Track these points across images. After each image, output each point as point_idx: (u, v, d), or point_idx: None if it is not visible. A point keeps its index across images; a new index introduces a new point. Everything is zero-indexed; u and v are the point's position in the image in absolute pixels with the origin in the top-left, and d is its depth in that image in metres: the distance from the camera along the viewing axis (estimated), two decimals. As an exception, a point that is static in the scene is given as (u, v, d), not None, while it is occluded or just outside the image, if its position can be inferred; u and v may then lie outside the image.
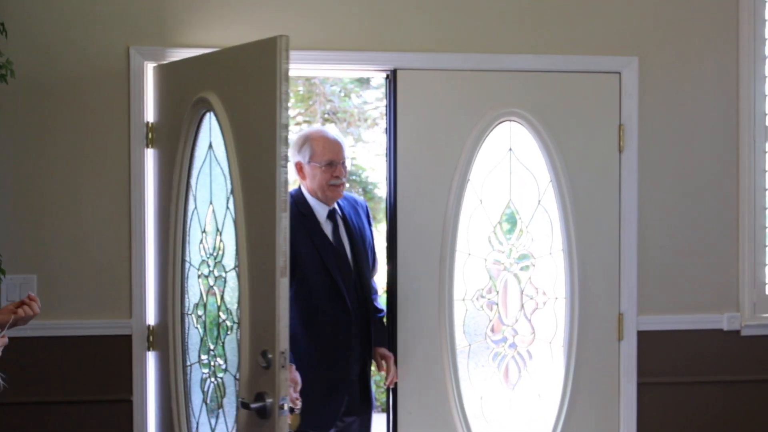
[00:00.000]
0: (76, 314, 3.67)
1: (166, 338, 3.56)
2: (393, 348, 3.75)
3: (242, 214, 3.08)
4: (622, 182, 3.94)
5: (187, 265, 3.50)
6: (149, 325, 3.68)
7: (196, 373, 3.49)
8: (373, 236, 3.82)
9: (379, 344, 3.70)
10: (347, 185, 3.67)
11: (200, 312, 3.46)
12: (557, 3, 3.91)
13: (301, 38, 3.73)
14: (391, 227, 3.79)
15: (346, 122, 9.91)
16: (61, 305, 3.66)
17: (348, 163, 3.59)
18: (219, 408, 3.37)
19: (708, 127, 4.03)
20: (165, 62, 3.63)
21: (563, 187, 3.89)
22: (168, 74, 3.59)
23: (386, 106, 3.87)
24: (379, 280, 3.96)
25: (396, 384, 3.75)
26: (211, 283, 3.39)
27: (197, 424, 3.49)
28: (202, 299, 3.45)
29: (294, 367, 3.27)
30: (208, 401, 3.44)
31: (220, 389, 3.36)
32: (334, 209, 3.62)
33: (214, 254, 3.37)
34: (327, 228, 3.59)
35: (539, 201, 3.93)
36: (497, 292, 3.95)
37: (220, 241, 3.32)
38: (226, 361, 3.31)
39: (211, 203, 3.38)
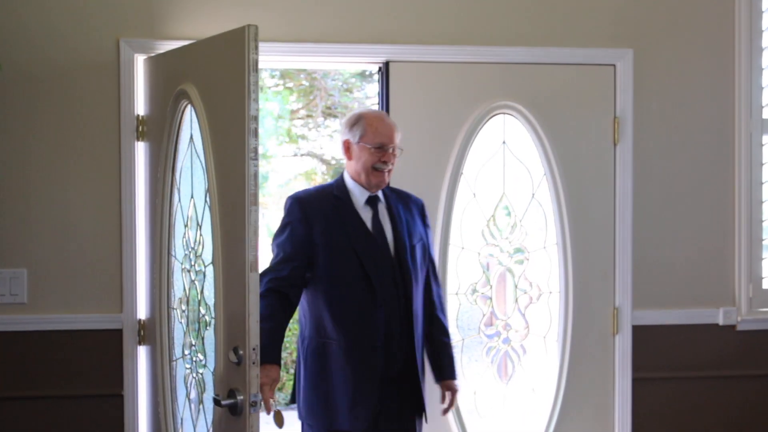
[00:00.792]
0: (67, 308, 3.65)
1: (154, 333, 3.55)
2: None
3: (217, 208, 3.04)
4: (617, 175, 3.91)
5: (172, 259, 3.49)
6: (140, 320, 3.66)
7: (181, 369, 3.48)
8: (430, 239, 3.48)
9: (449, 377, 3.43)
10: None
11: (184, 306, 3.44)
12: (551, -5, 3.89)
13: (294, 30, 3.73)
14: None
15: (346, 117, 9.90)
16: (51, 299, 3.65)
17: (399, 153, 3.31)
18: (201, 404, 3.35)
19: (704, 120, 4.00)
20: (154, 54, 3.61)
21: (557, 181, 3.87)
22: (156, 66, 3.57)
23: (378, 99, 3.84)
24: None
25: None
26: (193, 278, 3.38)
27: (182, 419, 3.47)
28: (186, 293, 3.43)
29: (278, 366, 3.07)
30: (191, 397, 3.42)
31: (201, 385, 3.34)
32: (376, 196, 3.32)
33: (195, 248, 3.35)
34: (365, 214, 3.29)
35: (533, 194, 3.91)
36: (491, 287, 3.93)
37: (200, 235, 3.31)
38: (205, 357, 3.29)
39: (192, 197, 3.36)
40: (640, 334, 3.96)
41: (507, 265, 3.94)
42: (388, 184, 3.38)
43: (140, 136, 3.64)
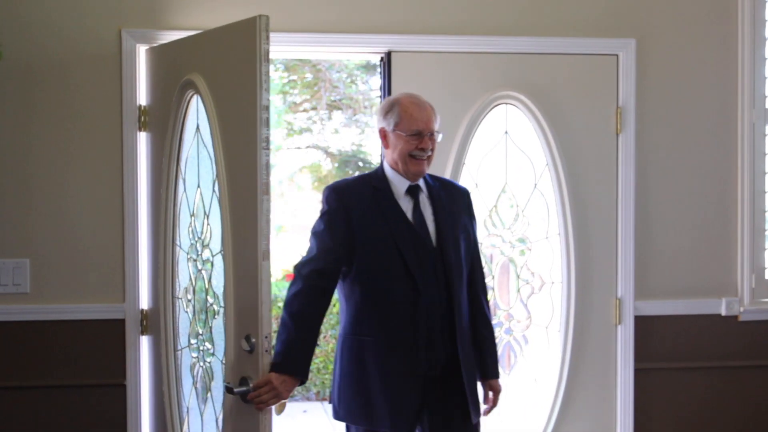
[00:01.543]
0: (69, 298, 3.66)
1: (158, 322, 3.56)
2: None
3: (227, 198, 3.06)
4: (620, 165, 3.91)
5: (177, 248, 3.50)
6: (142, 309, 3.67)
7: (186, 358, 3.49)
8: (475, 229, 3.32)
9: (492, 376, 3.28)
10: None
11: (189, 296, 3.45)
12: (554, -16, 3.88)
13: (296, 20, 3.73)
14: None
15: (351, 109, 9.91)
16: (53, 289, 3.66)
17: (439, 137, 3.15)
18: (208, 392, 3.35)
19: (707, 110, 3.99)
20: (156, 44, 3.61)
21: (560, 171, 3.86)
22: (159, 57, 3.57)
23: (380, 89, 3.84)
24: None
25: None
26: (199, 267, 3.39)
27: (188, 408, 3.48)
28: (192, 283, 3.44)
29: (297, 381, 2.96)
30: (198, 386, 3.42)
31: (209, 374, 3.34)
32: (417, 185, 3.17)
33: (202, 238, 3.36)
34: (405, 204, 3.13)
35: (535, 185, 3.90)
36: (493, 277, 3.93)
37: (207, 224, 3.31)
38: (213, 346, 3.30)
39: (198, 187, 3.36)
40: (643, 324, 3.96)
41: (509, 255, 3.94)
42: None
43: (142, 126, 3.65)
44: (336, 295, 3.12)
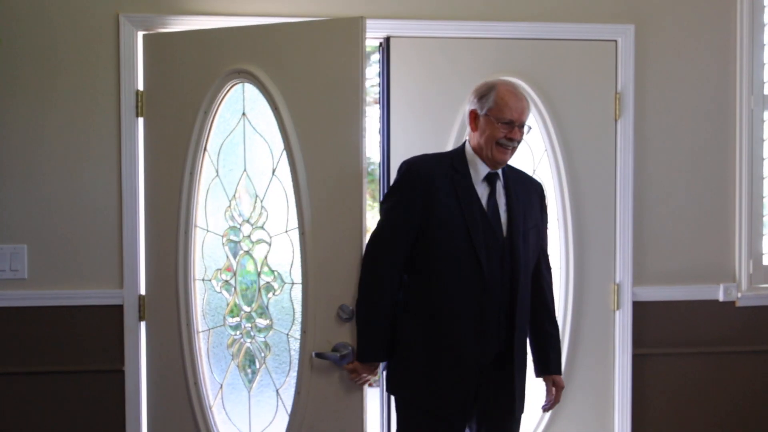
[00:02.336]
0: (67, 284, 3.66)
1: (166, 307, 3.59)
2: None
3: (305, 182, 3.35)
4: (618, 151, 3.91)
5: (200, 231, 3.57)
6: (141, 295, 3.66)
7: (219, 337, 3.58)
8: (546, 225, 3.34)
9: (554, 371, 3.31)
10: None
11: (225, 277, 3.54)
12: (553, -30, 3.87)
13: (294, 5, 3.70)
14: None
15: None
16: (51, 275, 3.65)
17: (526, 129, 3.13)
18: (261, 366, 3.53)
19: (705, 96, 3.99)
20: (166, 30, 3.63)
21: (558, 156, 3.86)
22: (175, 43, 3.56)
23: (379, 75, 3.83)
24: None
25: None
26: (246, 248, 3.51)
27: (221, 386, 3.61)
28: (231, 263, 3.54)
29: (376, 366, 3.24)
30: (241, 362, 3.56)
31: (261, 348, 3.52)
32: (496, 173, 3.16)
33: (251, 220, 3.49)
34: (481, 190, 3.12)
35: (534, 170, 3.90)
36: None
37: (262, 207, 3.48)
38: (271, 320, 3.49)
39: (245, 171, 3.50)
40: (640, 310, 3.97)
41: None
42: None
43: (140, 111, 3.63)
44: None
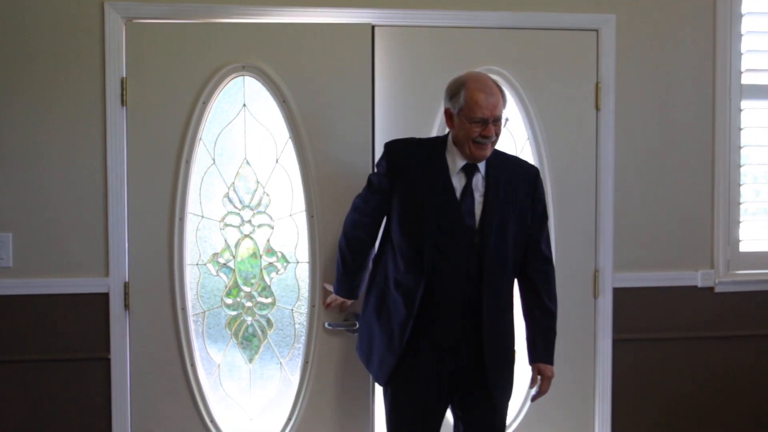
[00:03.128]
0: (53, 272, 3.66)
1: (157, 292, 3.68)
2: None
3: (314, 171, 3.71)
4: (599, 140, 3.95)
5: (194, 218, 3.71)
6: (126, 283, 3.66)
7: (215, 318, 3.77)
8: (541, 212, 3.33)
9: (541, 359, 3.31)
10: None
11: (223, 260, 3.74)
12: (535, -40, 3.90)
13: (279, -7, 3.72)
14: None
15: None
16: (36, 263, 3.65)
17: (505, 123, 3.15)
18: (263, 342, 3.79)
19: (684, 86, 4.05)
20: (154, 21, 3.65)
21: (540, 145, 3.90)
22: (167, 34, 3.65)
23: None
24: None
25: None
26: (247, 232, 3.74)
27: (219, 365, 3.79)
28: (229, 247, 3.74)
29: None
30: (240, 339, 3.78)
31: (263, 325, 3.79)
32: (474, 165, 3.17)
33: (252, 205, 3.74)
34: (457, 181, 3.16)
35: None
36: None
37: (265, 193, 3.74)
38: (275, 298, 3.77)
39: (245, 159, 3.72)
40: (621, 296, 4.02)
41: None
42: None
43: (125, 100, 3.63)
44: None
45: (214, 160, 3.72)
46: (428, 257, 3.11)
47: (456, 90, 3.12)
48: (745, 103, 4.09)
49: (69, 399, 3.70)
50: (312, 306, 3.74)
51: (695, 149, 4.07)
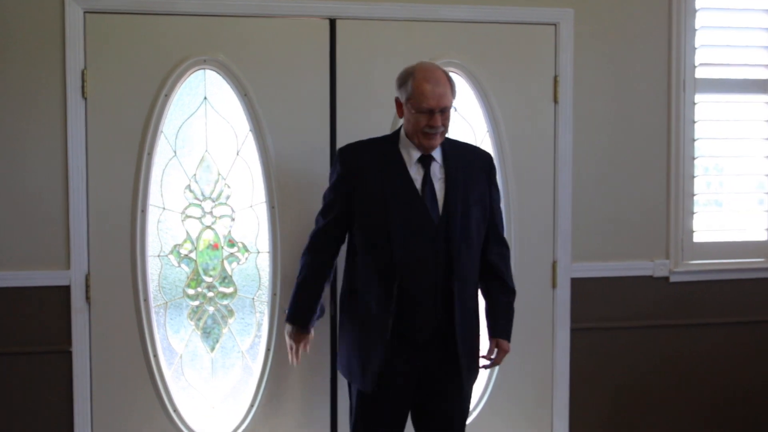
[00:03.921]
0: (13, 265, 3.63)
1: (119, 284, 3.68)
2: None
3: (275, 163, 3.74)
4: (557, 133, 4.00)
5: (156, 209, 3.71)
6: (87, 275, 3.66)
7: (176, 309, 3.78)
8: (496, 197, 3.37)
9: (499, 335, 3.33)
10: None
11: (184, 251, 3.76)
12: (494, -46, 3.93)
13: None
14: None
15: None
16: (-3, 256, 3.62)
17: (453, 112, 3.18)
18: (224, 329, 3.82)
19: (641, 80, 4.11)
20: (114, 12, 3.63)
21: (499, 138, 3.94)
22: (128, 27, 3.64)
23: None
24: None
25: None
26: (208, 223, 3.76)
27: (180, 356, 3.81)
28: (190, 239, 3.74)
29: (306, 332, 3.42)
30: (201, 328, 3.81)
31: (225, 314, 3.82)
32: (430, 155, 3.20)
33: (213, 196, 3.75)
34: (415, 172, 3.18)
35: (477, 151, 3.97)
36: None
37: (226, 184, 3.76)
38: (236, 287, 3.81)
39: (207, 151, 3.74)
40: (579, 286, 4.08)
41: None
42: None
43: (85, 92, 3.62)
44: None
45: (175, 152, 3.72)
46: (398, 255, 3.12)
47: (404, 79, 3.16)
48: (698, 97, 4.17)
49: (30, 392, 3.68)
50: (273, 294, 3.78)
51: (651, 142, 4.14)
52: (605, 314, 4.14)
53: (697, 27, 4.15)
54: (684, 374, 4.27)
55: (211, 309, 3.81)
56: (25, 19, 3.58)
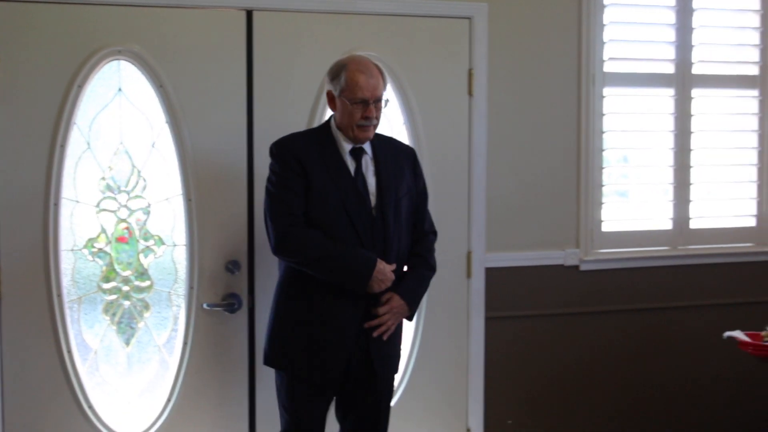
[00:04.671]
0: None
1: (30, 279, 3.60)
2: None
3: (192, 155, 3.70)
4: (472, 125, 4.06)
5: (69, 203, 3.63)
6: (-2, 271, 3.58)
7: (90, 304, 3.71)
8: (422, 189, 3.43)
9: (401, 294, 3.26)
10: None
11: (98, 245, 3.69)
12: (410, -53, 3.95)
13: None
14: (249, 173, 3.77)
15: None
16: None
17: (385, 104, 3.22)
18: (140, 323, 3.78)
19: (552, 73, 4.21)
20: (24, 1, 3.53)
21: (415, 130, 3.98)
22: (38, 15, 3.54)
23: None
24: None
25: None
26: (123, 216, 3.71)
27: (95, 352, 3.74)
28: (105, 233, 3.69)
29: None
30: (117, 323, 3.76)
31: (140, 308, 3.77)
32: (361, 148, 3.23)
33: (128, 189, 3.70)
34: (348, 164, 3.20)
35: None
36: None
37: (140, 177, 3.71)
38: (152, 281, 3.76)
39: (122, 143, 3.68)
40: (493, 275, 4.15)
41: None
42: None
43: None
44: None
45: (89, 144, 3.65)
46: (339, 243, 3.13)
47: (337, 72, 3.18)
48: (607, 90, 4.29)
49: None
50: (190, 288, 3.75)
51: (562, 134, 4.24)
52: (519, 303, 4.23)
53: (605, 22, 4.26)
54: (595, 359, 4.39)
55: (126, 303, 3.75)
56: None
